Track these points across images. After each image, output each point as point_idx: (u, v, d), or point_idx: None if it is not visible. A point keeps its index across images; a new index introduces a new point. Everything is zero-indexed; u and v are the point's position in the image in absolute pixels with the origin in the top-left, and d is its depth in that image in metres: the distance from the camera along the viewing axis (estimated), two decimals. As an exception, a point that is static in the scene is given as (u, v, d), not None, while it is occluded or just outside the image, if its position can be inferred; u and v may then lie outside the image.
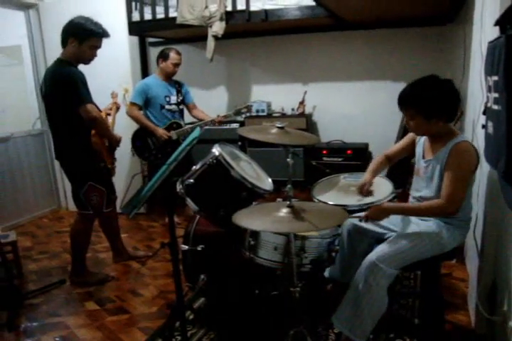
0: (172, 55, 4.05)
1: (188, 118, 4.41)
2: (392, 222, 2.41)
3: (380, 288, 2.06)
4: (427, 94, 2.06)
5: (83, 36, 2.89)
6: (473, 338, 2.37)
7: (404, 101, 2.12)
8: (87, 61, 3.02)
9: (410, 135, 2.46)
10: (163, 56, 4.08)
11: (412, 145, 2.41)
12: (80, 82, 2.88)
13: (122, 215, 3.50)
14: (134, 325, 2.66)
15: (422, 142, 2.33)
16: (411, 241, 2.12)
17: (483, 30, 2.41)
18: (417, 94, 2.08)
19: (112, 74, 4.42)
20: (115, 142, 3.20)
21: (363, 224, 2.42)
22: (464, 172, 2.04)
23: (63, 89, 2.86)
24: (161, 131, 4.06)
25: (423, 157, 2.29)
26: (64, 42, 2.94)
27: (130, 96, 4.21)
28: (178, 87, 4.24)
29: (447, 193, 2.03)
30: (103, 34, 2.97)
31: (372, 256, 2.10)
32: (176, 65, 4.11)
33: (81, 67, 3.02)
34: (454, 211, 2.06)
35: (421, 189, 2.28)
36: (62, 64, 2.92)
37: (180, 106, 4.26)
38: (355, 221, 2.44)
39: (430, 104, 2.05)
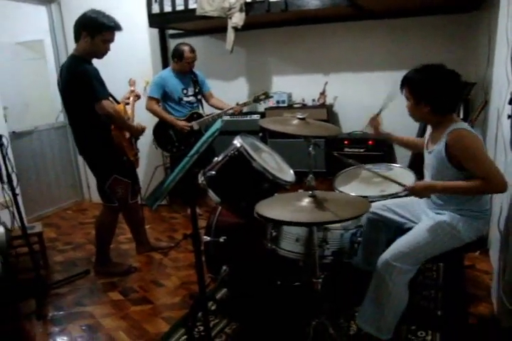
0: (186, 54, 4.04)
1: (208, 108, 4.42)
2: (412, 212, 2.39)
3: (398, 286, 2.06)
4: (422, 76, 2.10)
5: (96, 30, 2.86)
6: (496, 331, 2.34)
7: (403, 80, 2.19)
8: (100, 55, 2.99)
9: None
10: (177, 56, 4.07)
11: None
12: (94, 78, 2.87)
13: (145, 206, 3.54)
14: (157, 315, 2.70)
15: (427, 135, 2.33)
16: (425, 237, 2.10)
17: (510, 18, 2.36)
18: (414, 75, 2.13)
19: (133, 66, 4.45)
20: (137, 132, 3.20)
21: (384, 213, 2.43)
22: (476, 151, 1.99)
23: (78, 87, 2.86)
24: (181, 124, 4.08)
25: (426, 147, 2.29)
26: (77, 37, 2.92)
27: (148, 89, 4.23)
28: (194, 77, 4.24)
29: (481, 175, 1.96)
30: (115, 27, 2.94)
31: (385, 255, 2.10)
32: (191, 62, 4.12)
33: (102, 59, 3.02)
34: (500, 187, 1.97)
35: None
36: (76, 60, 2.92)
37: (199, 97, 4.28)
38: (375, 209, 2.44)
39: (421, 87, 2.09)
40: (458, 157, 2.02)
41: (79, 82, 2.86)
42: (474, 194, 2.11)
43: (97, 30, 2.87)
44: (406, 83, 2.16)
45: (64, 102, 3.07)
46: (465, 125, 2.10)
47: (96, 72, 2.92)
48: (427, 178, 2.29)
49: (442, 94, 2.07)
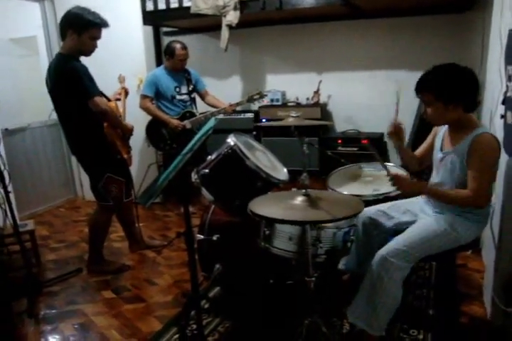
0: (178, 51, 4.04)
1: (201, 106, 4.41)
2: (408, 213, 2.39)
3: (393, 282, 2.05)
4: (445, 78, 2.01)
5: (82, 27, 2.82)
6: (488, 330, 2.35)
7: (423, 85, 2.07)
8: (88, 53, 2.95)
9: (432, 132, 2.40)
10: (169, 53, 4.07)
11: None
12: (84, 75, 2.84)
13: (138, 204, 3.53)
14: (150, 314, 2.70)
15: (441, 134, 2.27)
16: (424, 235, 2.10)
17: (503, 18, 2.36)
18: (436, 78, 2.03)
19: (127, 64, 4.43)
20: (127, 131, 3.19)
21: (379, 218, 2.41)
22: (488, 165, 1.99)
23: (68, 85, 2.83)
24: (175, 122, 4.07)
25: (441, 149, 2.23)
26: (63, 35, 2.88)
27: (141, 87, 4.23)
28: (188, 75, 4.24)
29: (474, 187, 1.99)
30: (102, 24, 2.90)
31: (383, 250, 2.09)
32: (183, 60, 4.11)
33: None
34: (483, 204, 2.03)
35: (441, 182, 2.23)
36: (63, 58, 2.88)
37: (192, 95, 4.27)
38: (370, 214, 2.42)
39: (448, 88, 2.00)
40: (470, 159, 2.01)
41: (69, 80, 2.83)
42: (458, 204, 2.13)
43: (83, 28, 2.83)
44: (428, 88, 2.04)
45: (54, 102, 3.01)
46: (489, 130, 2.08)
47: (85, 68, 2.88)
48: (435, 178, 2.27)
49: (470, 91, 2.03)
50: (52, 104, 3.01)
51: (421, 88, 2.08)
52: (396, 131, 2.35)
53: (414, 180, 2.14)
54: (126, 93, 3.41)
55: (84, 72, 2.86)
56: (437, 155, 2.25)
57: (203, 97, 4.36)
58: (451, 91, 2.00)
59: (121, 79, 3.42)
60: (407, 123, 4.17)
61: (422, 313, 2.53)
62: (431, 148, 2.37)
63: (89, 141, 3.01)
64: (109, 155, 3.08)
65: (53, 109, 3.03)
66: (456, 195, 2.07)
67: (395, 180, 2.10)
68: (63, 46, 2.91)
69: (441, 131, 2.28)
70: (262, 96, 4.21)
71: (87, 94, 2.84)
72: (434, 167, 2.31)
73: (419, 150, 2.47)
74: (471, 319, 2.47)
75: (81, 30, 2.83)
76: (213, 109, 4.21)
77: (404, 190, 2.16)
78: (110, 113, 2.95)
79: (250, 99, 4.17)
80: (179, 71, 4.17)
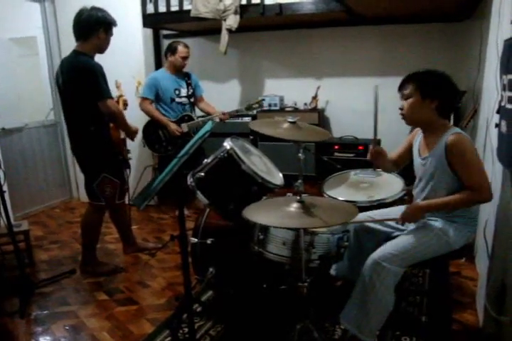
0: (180, 48, 4.05)
1: (197, 110, 4.42)
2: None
3: (385, 287, 2.05)
4: (428, 74, 2.13)
5: (109, 27, 2.96)
6: (480, 338, 2.36)
7: (407, 79, 2.16)
8: (105, 50, 3.05)
9: (407, 138, 2.45)
10: (171, 50, 4.09)
11: (411, 146, 2.39)
12: (100, 74, 2.88)
13: (133, 207, 3.53)
14: (142, 316, 2.69)
15: (417, 141, 2.31)
16: (416, 240, 2.11)
17: (500, 28, 2.38)
18: (419, 73, 2.14)
19: (126, 66, 4.44)
20: (132, 133, 3.21)
21: (370, 224, 2.42)
22: (472, 157, 2.03)
23: (83, 81, 2.85)
24: (173, 127, 4.07)
25: (419, 155, 2.27)
26: (88, 35, 2.91)
27: (141, 90, 4.23)
28: (188, 79, 4.25)
29: (472, 183, 2.01)
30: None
31: (374, 255, 2.09)
32: (185, 58, 4.12)
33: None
34: (488, 196, 2.03)
35: (423, 188, 2.24)
36: (81, 56, 2.91)
37: (191, 99, 4.28)
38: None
39: (429, 81, 2.10)
40: (454, 162, 2.04)
41: (84, 75, 2.85)
42: (462, 206, 2.13)
43: (109, 26, 2.96)
44: (412, 79, 2.13)
45: (64, 98, 3.04)
46: (461, 130, 2.11)
47: (101, 68, 2.93)
48: (421, 189, 2.27)
49: (447, 90, 2.10)
50: (60, 99, 3.06)
51: (405, 81, 2.16)
52: (376, 155, 2.37)
53: (416, 205, 2.15)
54: (125, 104, 3.41)
55: (100, 71, 2.91)
56: (417, 161, 2.29)
57: (197, 103, 4.37)
58: (430, 84, 2.09)
59: (118, 84, 3.44)
60: (405, 127, 4.17)
61: (414, 320, 2.52)
62: (407, 151, 2.43)
63: (94, 139, 3.02)
64: (110, 156, 3.09)
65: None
66: (458, 198, 2.06)
67: (405, 221, 2.18)
68: (81, 45, 2.95)
69: (418, 138, 2.32)
70: (261, 105, 4.23)
71: (101, 94, 2.87)
72: (416, 174, 2.33)
73: (395, 154, 2.51)
74: (463, 326, 2.47)
75: (108, 29, 2.96)
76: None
77: (415, 220, 2.20)
78: (119, 116, 2.98)
79: (249, 108, 4.18)
80: (179, 72, 4.18)
